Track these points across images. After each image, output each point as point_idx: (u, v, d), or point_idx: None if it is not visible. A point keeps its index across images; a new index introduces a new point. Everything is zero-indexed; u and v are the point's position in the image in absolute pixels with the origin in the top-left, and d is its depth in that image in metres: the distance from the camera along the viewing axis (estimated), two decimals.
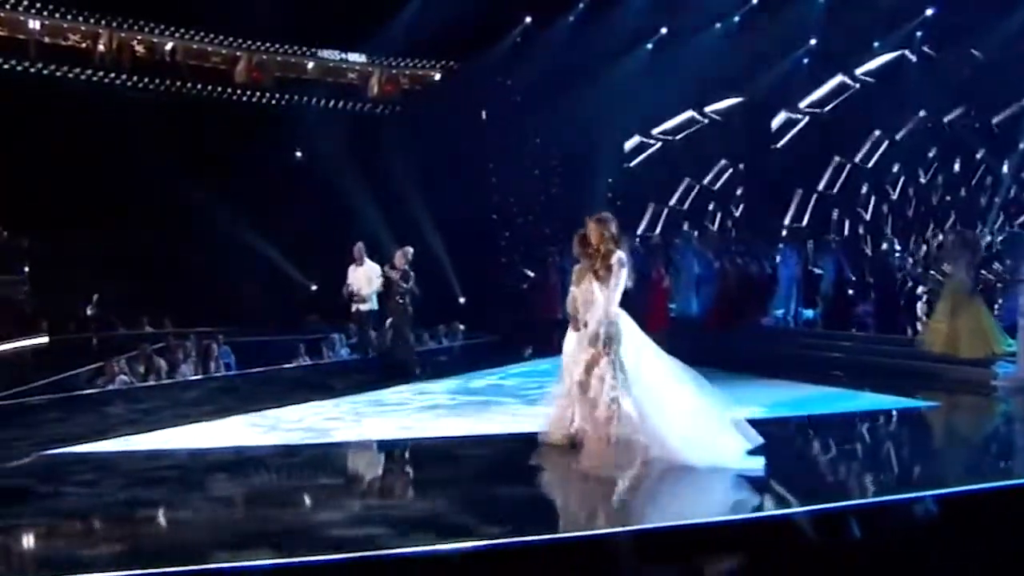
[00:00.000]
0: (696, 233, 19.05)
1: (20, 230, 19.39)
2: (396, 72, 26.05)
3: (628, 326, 6.88)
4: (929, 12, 19.39)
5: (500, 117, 23.77)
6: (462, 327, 19.03)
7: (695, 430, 6.71)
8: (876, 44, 20.43)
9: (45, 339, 16.13)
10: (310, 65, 25.84)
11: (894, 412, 9.95)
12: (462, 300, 21.61)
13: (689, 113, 22.81)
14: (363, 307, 13.30)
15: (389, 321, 13.27)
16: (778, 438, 8.64)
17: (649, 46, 22.35)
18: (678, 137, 23.26)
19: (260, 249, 21.31)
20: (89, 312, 19.25)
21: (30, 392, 11.70)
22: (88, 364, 14.02)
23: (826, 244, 16.79)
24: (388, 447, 8.53)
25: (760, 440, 6.75)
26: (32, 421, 9.73)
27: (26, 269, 19.14)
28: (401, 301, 12.67)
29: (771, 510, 5.87)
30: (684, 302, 17.06)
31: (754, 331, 16.02)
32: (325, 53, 25.54)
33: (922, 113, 19.87)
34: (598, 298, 6.83)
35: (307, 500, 6.45)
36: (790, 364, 13.13)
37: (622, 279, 6.79)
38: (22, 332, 16.10)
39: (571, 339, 7.34)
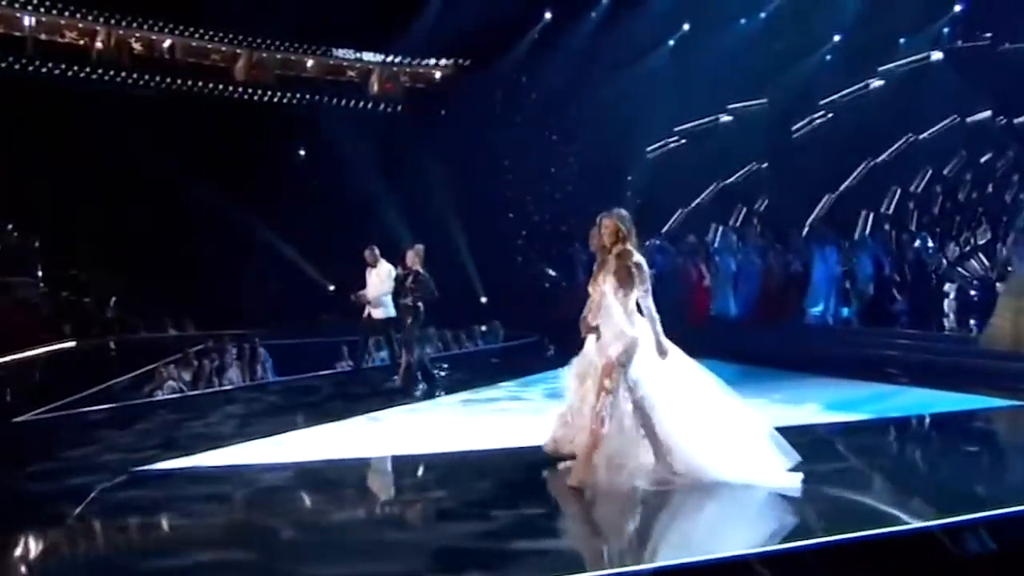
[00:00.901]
0: (722, 229, 18.91)
1: (27, 230, 18.91)
2: (398, 70, 25.79)
3: (647, 336, 6.43)
4: (957, 8, 19.48)
5: (516, 114, 23.57)
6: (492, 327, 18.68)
7: (726, 446, 6.37)
8: (902, 41, 20.49)
9: (72, 343, 15.63)
10: (309, 63, 25.48)
11: (990, 412, 9.77)
12: (484, 300, 21.35)
13: (712, 112, 22.71)
14: (375, 312, 12.54)
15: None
16: (869, 442, 8.43)
17: (671, 43, 22.26)
18: (701, 135, 23.14)
19: (275, 249, 20.94)
20: (109, 315, 18.72)
21: (86, 401, 11.19)
22: (125, 369, 13.56)
23: (862, 241, 16.76)
24: (522, 453, 7.68)
25: (798, 458, 6.38)
26: (107, 434, 9.16)
27: (39, 272, 18.66)
28: (410, 304, 11.76)
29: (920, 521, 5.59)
30: (722, 300, 16.97)
31: (797, 329, 15.92)
32: (339, 52, 25.19)
33: (952, 114, 19.90)
34: (611, 306, 6.39)
35: (479, 513, 6.02)
36: (842, 362, 12.89)
37: (647, 286, 6.34)
38: (46, 336, 15.58)
39: (591, 346, 6.71)
